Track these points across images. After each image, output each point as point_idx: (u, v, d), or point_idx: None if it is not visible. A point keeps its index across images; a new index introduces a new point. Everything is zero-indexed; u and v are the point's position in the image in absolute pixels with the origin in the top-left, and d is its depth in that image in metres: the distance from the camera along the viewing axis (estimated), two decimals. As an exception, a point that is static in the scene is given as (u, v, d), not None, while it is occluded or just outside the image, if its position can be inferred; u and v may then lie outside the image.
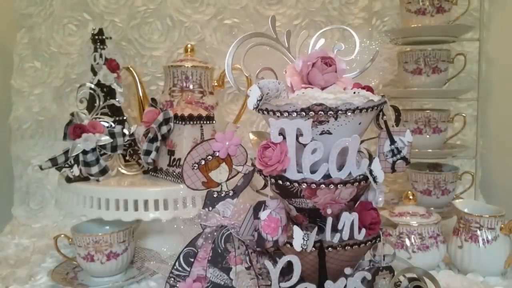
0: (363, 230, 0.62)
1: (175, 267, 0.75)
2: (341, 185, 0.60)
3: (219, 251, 0.74)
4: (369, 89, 0.66)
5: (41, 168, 0.96)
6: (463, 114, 1.19)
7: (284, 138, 0.59)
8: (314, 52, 0.67)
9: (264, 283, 0.72)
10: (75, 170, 0.95)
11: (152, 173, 1.02)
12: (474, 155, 1.22)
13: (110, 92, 1.09)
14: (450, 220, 1.05)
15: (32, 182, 1.32)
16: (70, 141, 0.95)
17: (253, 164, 0.71)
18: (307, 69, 0.64)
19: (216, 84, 1.13)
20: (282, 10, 1.31)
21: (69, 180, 0.96)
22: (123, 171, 1.03)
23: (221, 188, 0.75)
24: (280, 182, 0.62)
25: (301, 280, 0.62)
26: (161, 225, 0.93)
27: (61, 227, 1.23)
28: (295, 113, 0.58)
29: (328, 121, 0.59)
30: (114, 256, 0.89)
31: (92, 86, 1.07)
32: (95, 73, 1.09)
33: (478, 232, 0.88)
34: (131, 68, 1.15)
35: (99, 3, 1.28)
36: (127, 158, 1.07)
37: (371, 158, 0.63)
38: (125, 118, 1.12)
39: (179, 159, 0.95)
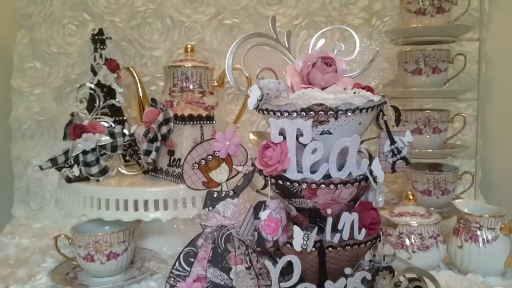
0: (363, 230, 0.62)
1: (175, 267, 0.75)
2: (341, 185, 0.60)
3: (219, 251, 0.74)
4: (369, 89, 0.66)
5: (41, 168, 0.96)
6: (463, 114, 1.19)
7: (284, 138, 0.59)
8: (314, 52, 0.67)
9: (264, 283, 0.72)
10: (75, 170, 0.95)
11: (152, 173, 1.02)
12: (474, 155, 1.22)
13: (110, 92, 1.09)
14: (450, 220, 1.05)
15: (32, 182, 1.32)
16: (70, 141, 0.94)
17: (253, 164, 0.71)
18: (307, 69, 0.64)
19: (216, 84, 1.13)
20: (282, 10, 1.31)
21: (69, 180, 0.96)
22: (123, 171, 1.03)
23: (221, 188, 0.75)
24: (280, 182, 0.62)
25: (301, 280, 0.62)
26: (161, 225, 0.93)
27: (61, 227, 1.22)
28: (295, 113, 0.58)
29: (328, 121, 0.59)
30: (114, 256, 0.89)
31: (92, 86, 1.07)
32: (95, 73, 1.09)
33: (478, 232, 0.88)
34: (131, 68, 1.15)
35: (99, 3, 1.28)
36: (127, 158, 1.06)
37: (371, 158, 0.63)
38: (125, 118, 1.12)
39: (179, 159, 0.95)
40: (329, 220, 0.62)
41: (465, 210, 0.91)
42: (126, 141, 1.02)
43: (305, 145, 0.59)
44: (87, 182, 0.96)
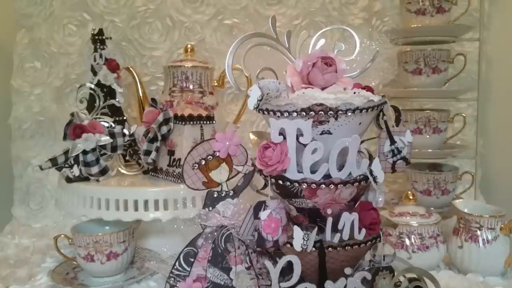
0: (363, 230, 0.62)
1: (175, 267, 0.75)
2: (341, 185, 0.60)
3: (219, 251, 0.74)
4: (369, 89, 0.66)
5: (41, 168, 0.96)
6: (463, 114, 1.19)
7: (284, 138, 0.59)
8: (314, 52, 0.67)
9: (264, 283, 0.72)
10: (75, 170, 0.95)
11: (152, 173, 1.02)
12: (474, 155, 1.22)
13: (110, 92, 1.09)
14: (450, 220, 1.05)
15: (32, 182, 1.32)
16: (70, 141, 0.94)
17: (253, 164, 0.71)
18: (308, 69, 0.64)
19: (216, 84, 1.13)
20: (282, 10, 1.31)
21: (69, 180, 0.96)
22: (123, 171, 1.03)
23: (221, 188, 0.75)
24: (280, 182, 0.62)
25: (301, 280, 0.62)
26: (161, 225, 0.93)
27: (61, 227, 1.22)
28: (295, 113, 0.58)
29: (328, 121, 0.59)
30: (114, 256, 0.89)
31: (92, 86, 1.07)
32: (95, 73, 1.09)
33: (478, 232, 0.88)
34: (131, 68, 1.15)
35: (99, 3, 1.28)
36: (127, 158, 1.06)
37: (371, 158, 0.63)
38: (125, 118, 1.12)
39: (179, 159, 0.95)
40: (329, 220, 0.62)
41: (465, 210, 0.91)
42: (126, 141, 1.02)
43: (305, 145, 0.59)
44: (87, 182, 0.96)
